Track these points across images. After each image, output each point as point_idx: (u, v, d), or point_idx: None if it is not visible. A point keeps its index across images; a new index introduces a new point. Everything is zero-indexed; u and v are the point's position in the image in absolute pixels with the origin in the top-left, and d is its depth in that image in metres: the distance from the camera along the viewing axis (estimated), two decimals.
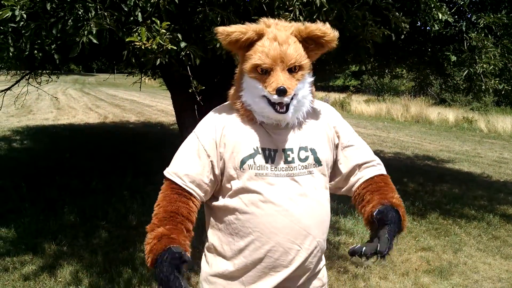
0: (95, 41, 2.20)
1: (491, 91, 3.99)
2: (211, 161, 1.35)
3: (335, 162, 1.46)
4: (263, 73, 1.28)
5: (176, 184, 1.34)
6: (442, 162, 8.57)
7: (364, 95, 23.13)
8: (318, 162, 1.36)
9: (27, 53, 2.29)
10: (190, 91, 2.73)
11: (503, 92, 4.22)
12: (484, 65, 3.63)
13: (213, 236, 1.43)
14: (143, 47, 2.16)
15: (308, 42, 1.30)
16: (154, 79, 8.93)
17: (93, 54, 5.50)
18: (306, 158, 1.35)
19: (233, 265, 1.36)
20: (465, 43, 3.91)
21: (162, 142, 8.78)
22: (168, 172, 1.37)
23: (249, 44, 1.29)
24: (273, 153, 1.33)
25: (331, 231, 4.19)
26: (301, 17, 2.49)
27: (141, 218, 4.25)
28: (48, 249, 3.57)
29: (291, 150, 1.34)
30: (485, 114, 16.28)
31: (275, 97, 1.24)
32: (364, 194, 1.42)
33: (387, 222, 1.32)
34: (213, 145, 1.35)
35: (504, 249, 4.11)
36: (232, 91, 1.42)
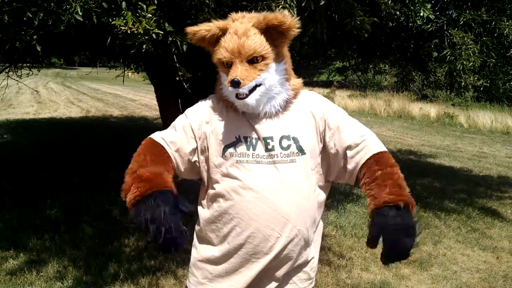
0: (79, 18, 2.16)
1: (470, 87, 4.08)
2: (196, 140, 1.41)
3: (327, 150, 1.43)
4: (227, 66, 1.33)
5: (160, 145, 1.39)
6: (424, 157, 8.72)
7: (348, 91, 23.28)
8: (301, 150, 1.38)
9: (9, 45, 2.24)
10: (177, 79, 2.71)
11: (481, 88, 4.31)
12: (464, 62, 3.70)
13: (201, 222, 1.48)
14: (128, 31, 2.14)
15: (271, 31, 1.32)
16: (138, 73, 8.85)
17: (76, 45, 5.41)
18: (289, 147, 1.37)
19: (218, 250, 1.42)
20: (445, 40, 3.98)
21: (146, 136, 8.70)
22: (154, 135, 1.43)
23: (217, 39, 1.36)
24: (254, 141, 1.37)
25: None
26: (292, 3, 2.49)
27: (125, 212, 4.23)
28: (30, 244, 3.54)
29: (271, 138, 1.37)
30: (466, 110, 16.58)
31: (230, 89, 1.30)
32: (366, 188, 1.36)
33: (387, 237, 1.31)
34: (199, 126, 1.41)
35: (482, 240, 4.22)
36: (217, 82, 1.48)
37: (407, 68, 6.23)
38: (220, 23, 1.35)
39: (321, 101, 1.49)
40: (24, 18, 2.19)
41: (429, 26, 3.89)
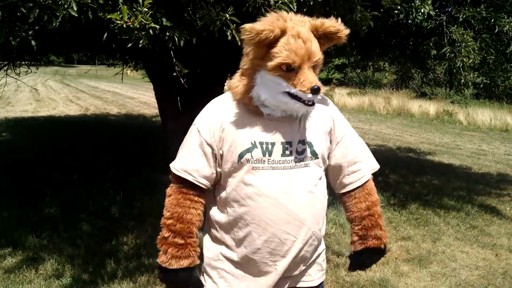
0: (74, 14, 2.13)
1: (470, 84, 4.07)
2: (214, 154, 1.39)
3: (328, 156, 1.49)
4: (287, 70, 1.27)
5: (186, 180, 1.40)
6: (423, 154, 8.72)
7: (347, 88, 23.28)
8: (314, 155, 1.40)
9: (3, 40, 2.22)
10: (174, 74, 2.69)
11: (481, 85, 4.30)
12: (464, 59, 3.69)
13: (213, 227, 1.49)
14: (124, 26, 2.11)
15: (322, 38, 1.32)
16: (136, 71, 8.84)
17: (73, 41, 5.40)
18: (303, 151, 1.38)
19: (235, 253, 1.43)
20: (445, 37, 3.97)
21: (144, 134, 8.71)
22: (176, 169, 1.42)
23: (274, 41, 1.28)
24: (270, 147, 1.35)
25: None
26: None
27: (124, 210, 4.22)
28: (28, 242, 3.53)
29: (290, 143, 1.37)
30: (465, 107, 16.58)
31: (309, 96, 1.25)
32: (353, 223, 1.53)
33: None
34: (213, 138, 1.38)
35: (481, 238, 4.22)
36: (236, 83, 1.39)
37: (406, 65, 6.22)
38: (279, 23, 1.25)
39: (332, 108, 1.51)
40: (18, 14, 2.17)
41: (428, 23, 3.88)
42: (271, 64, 1.27)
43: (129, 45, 2.23)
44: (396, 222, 4.48)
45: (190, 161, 1.40)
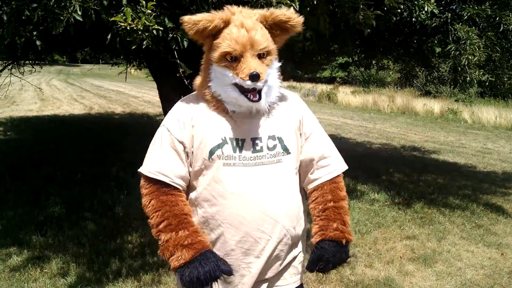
0: (79, 18, 2.14)
1: (475, 82, 4.05)
2: (186, 152, 1.36)
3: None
4: (232, 60, 1.27)
5: (163, 182, 1.34)
6: (428, 153, 8.68)
7: (351, 87, 23.23)
8: (286, 150, 1.38)
9: (8, 40, 2.23)
10: (178, 75, 2.70)
11: (487, 83, 4.28)
12: (469, 57, 3.67)
13: None
14: (128, 28, 2.12)
15: (273, 28, 1.30)
16: (140, 70, 8.84)
17: (77, 42, 5.41)
18: (274, 147, 1.36)
19: None
20: (450, 35, 3.95)
21: (148, 133, 8.69)
22: (149, 172, 1.35)
23: (216, 32, 1.28)
24: (241, 143, 1.33)
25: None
26: None
27: (128, 209, 4.23)
28: (33, 240, 3.54)
29: (260, 139, 1.34)
30: (470, 105, 16.50)
31: (248, 83, 1.23)
32: (315, 214, 1.45)
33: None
34: (184, 136, 1.35)
35: (487, 237, 4.20)
36: (198, 81, 1.41)
37: (410, 63, 6.20)
38: (222, 14, 1.28)
39: (301, 103, 1.50)
40: (23, 17, 2.18)
41: (433, 21, 3.86)
42: (214, 54, 1.28)
43: (133, 47, 2.23)
44: (401, 221, 4.46)
45: (163, 162, 1.35)
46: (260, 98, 1.27)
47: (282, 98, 1.43)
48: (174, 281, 3.05)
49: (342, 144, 9.03)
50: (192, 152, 1.35)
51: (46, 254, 3.33)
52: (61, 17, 2.12)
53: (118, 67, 8.60)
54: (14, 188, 4.70)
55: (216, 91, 1.32)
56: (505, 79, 4.30)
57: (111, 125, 10.23)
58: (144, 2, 2.20)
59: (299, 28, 1.31)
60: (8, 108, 12.54)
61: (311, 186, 1.46)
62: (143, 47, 2.28)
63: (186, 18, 1.24)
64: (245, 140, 1.33)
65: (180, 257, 1.29)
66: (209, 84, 1.34)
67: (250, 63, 1.24)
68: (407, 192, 5.47)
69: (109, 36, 2.39)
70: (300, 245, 1.51)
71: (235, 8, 1.32)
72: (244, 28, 1.25)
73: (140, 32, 2.20)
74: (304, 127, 1.45)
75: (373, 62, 6.92)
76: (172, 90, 5.06)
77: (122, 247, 3.49)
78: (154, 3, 2.23)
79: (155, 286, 2.98)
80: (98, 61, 9.18)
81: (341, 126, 12.01)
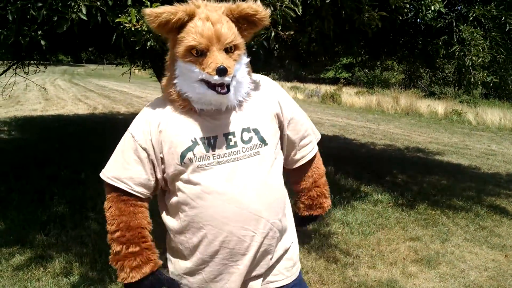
0: (83, 17, 2.15)
1: (479, 83, 4.03)
2: (151, 159, 1.31)
3: (281, 137, 1.45)
4: (198, 55, 1.21)
5: (122, 190, 1.32)
6: (431, 154, 8.65)
7: (355, 88, 23.19)
8: (263, 141, 1.33)
9: (12, 39, 2.24)
10: None
11: (491, 84, 4.26)
12: (473, 58, 3.66)
13: (169, 235, 1.43)
14: (132, 29, 2.12)
15: (240, 21, 1.25)
16: (144, 70, 8.86)
17: (81, 42, 5.43)
18: (250, 139, 1.31)
19: (191, 262, 1.35)
20: (454, 36, 3.93)
21: None
22: (108, 177, 1.33)
23: (180, 26, 1.22)
24: (213, 141, 1.28)
25: (321, 221, 4.22)
26: (298, 1, 2.45)
27: None
28: (37, 240, 3.55)
29: (233, 133, 1.29)
30: (474, 107, 16.43)
31: (215, 78, 1.18)
32: (301, 193, 1.60)
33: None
34: (149, 142, 1.30)
35: (490, 239, 4.18)
36: (164, 81, 1.35)
37: (415, 64, 6.18)
38: (186, 7, 1.21)
39: (276, 88, 1.46)
40: (28, 16, 2.19)
41: (438, 21, 3.85)
42: (179, 49, 1.23)
43: (138, 47, 2.24)
44: (404, 223, 4.45)
45: (124, 168, 1.31)
46: (228, 91, 1.22)
47: (255, 86, 1.38)
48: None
49: (346, 145, 9.02)
50: (162, 158, 1.30)
51: (49, 254, 3.34)
52: (66, 16, 2.12)
53: (122, 67, 8.61)
54: (18, 188, 4.72)
55: (182, 89, 1.27)
56: (510, 80, 4.28)
57: (115, 125, 10.26)
58: (148, 2, 2.21)
59: (266, 22, 1.26)
60: (12, 107, 12.60)
61: (294, 167, 1.54)
62: (147, 47, 2.29)
63: (148, 11, 1.19)
64: (217, 137, 1.28)
65: (129, 277, 1.34)
66: (174, 82, 1.28)
67: (217, 57, 1.18)
68: (410, 193, 5.45)
69: (114, 37, 2.40)
70: (289, 234, 1.47)
71: (199, 1, 1.26)
72: (209, 21, 1.20)
73: (144, 33, 2.20)
74: (284, 113, 1.42)
75: (378, 63, 6.91)
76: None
77: None
78: (159, 4, 2.24)
79: None
80: (102, 61, 9.21)
81: (344, 127, 11.99)
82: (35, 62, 6.78)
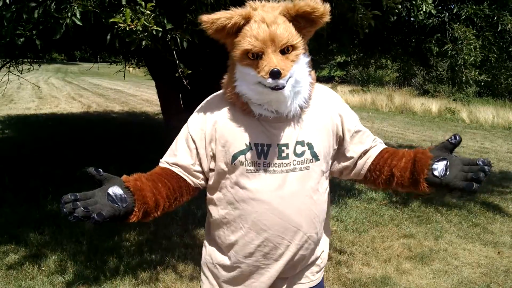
0: (79, 23, 2.15)
1: (471, 82, 4.06)
2: (198, 152, 1.32)
3: (341, 150, 1.41)
4: (254, 58, 1.19)
5: (169, 170, 1.35)
6: None
7: (349, 86, 23.23)
8: (315, 157, 1.31)
9: (7, 39, 2.23)
10: (176, 75, 2.70)
11: (483, 83, 4.29)
12: (465, 57, 3.68)
13: (209, 226, 1.46)
14: (127, 29, 2.12)
15: (299, 20, 1.21)
16: (139, 68, 8.84)
17: (76, 41, 5.41)
18: (303, 153, 1.30)
19: (225, 257, 1.39)
20: (447, 34, 3.96)
21: (147, 131, 8.72)
22: (161, 162, 1.38)
23: (237, 30, 1.21)
24: (266, 149, 1.27)
25: None
26: None
27: None
28: (31, 238, 3.54)
29: (286, 145, 1.28)
30: (467, 105, 16.52)
31: (269, 81, 1.15)
32: (382, 165, 1.36)
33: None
34: (201, 136, 1.31)
35: (483, 236, 4.22)
36: (225, 81, 1.34)
37: (408, 63, 6.21)
38: (241, 11, 1.19)
39: (337, 99, 1.42)
40: (24, 17, 2.19)
41: (430, 21, 3.87)
42: (236, 53, 1.21)
43: (133, 48, 2.24)
44: (398, 220, 4.48)
45: (173, 155, 1.36)
46: (283, 88, 1.18)
47: (315, 95, 1.34)
48: (172, 279, 3.06)
49: None
50: (214, 155, 1.32)
51: (44, 252, 3.34)
52: (61, 21, 2.12)
53: (116, 65, 8.60)
54: (12, 186, 4.70)
55: (241, 91, 1.25)
56: (502, 79, 4.31)
57: (109, 123, 10.22)
58: (143, 3, 2.20)
59: (326, 19, 1.19)
60: (6, 106, 12.52)
61: (367, 165, 1.39)
62: (142, 47, 2.29)
63: (205, 18, 1.18)
64: (271, 146, 1.27)
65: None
66: (234, 84, 1.27)
67: (272, 60, 1.15)
68: None
69: (108, 37, 2.40)
70: (323, 244, 1.49)
71: (257, 3, 1.23)
72: (265, 23, 1.17)
73: (139, 33, 2.20)
74: (346, 125, 1.37)
75: (372, 61, 6.92)
76: (171, 89, 5.08)
77: (119, 245, 3.49)
78: (153, 4, 2.24)
79: (152, 284, 2.98)
80: (96, 59, 9.17)
81: None
82: (28, 60, 6.74)
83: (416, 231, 4.23)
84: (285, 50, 1.19)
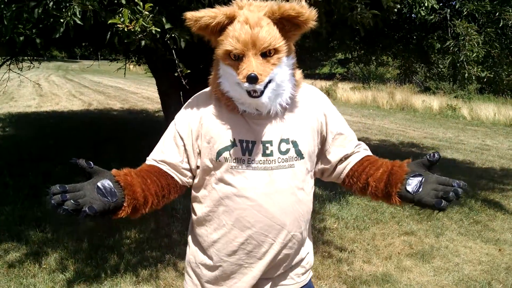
0: (79, 22, 2.14)
1: (473, 78, 4.04)
2: (186, 148, 1.32)
3: (323, 151, 1.40)
4: (236, 59, 1.19)
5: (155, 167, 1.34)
6: (426, 149, 8.69)
7: (350, 83, 23.20)
8: (299, 155, 1.30)
9: (7, 37, 2.23)
10: (176, 74, 2.69)
11: (485, 79, 4.28)
12: (467, 53, 3.67)
13: (192, 225, 1.44)
14: (126, 30, 2.11)
15: (284, 23, 1.19)
16: (139, 65, 8.84)
17: (76, 39, 5.40)
18: (287, 151, 1.29)
19: (207, 257, 1.37)
20: (449, 31, 3.94)
21: (147, 129, 8.71)
22: (148, 159, 1.37)
23: (221, 28, 1.20)
24: (251, 145, 1.27)
25: (316, 216, 4.23)
26: None
27: None
28: (32, 236, 3.54)
29: (270, 142, 1.27)
30: (469, 102, 16.50)
31: (246, 85, 1.15)
32: (360, 173, 1.36)
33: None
34: (189, 133, 1.31)
35: (484, 233, 4.21)
36: (211, 77, 1.34)
37: (410, 60, 6.19)
38: (226, 10, 1.18)
39: (323, 100, 1.41)
40: (24, 16, 2.18)
41: (432, 17, 3.85)
42: (219, 52, 1.22)
43: (132, 48, 2.23)
44: (399, 217, 4.47)
45: (161, 152, 1.34)
46: (260, 95, 1.18)
47: (301, 95, 1.34)
48: (173, 277, 3.06)
49: None
50: (199, 151, 1.32)
51: (45, 250, 3.34)
52: (61, 20, 2.11)
53: (117, 63, 8.59)
54: (13, 184, 4.71)
55: (225, 89, 1.26)
56: (504, 75, 4.30)
57: (109, 121, 10.22)
58: (141, 3, 2.19)
59: (311, 24, 1.18)
60: (6, 104, 12.52)
61: (346, 170, 1.39)
62: (142, 46, 2.28)
63: (189, 15, 1.17)
64: (255, 143, 1.27)
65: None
66: (219, 81, 1.28)
67: (250, 64, 1.15)
68: None
69: (107, 36, 2.39)
70: (308, 245, 1.47)
71: (244, 1, 1.23)
72: (248, 24, 1.16)
73: (137, 33, 2.19)
74: (330, 126, 1.37)
75: (373, 58, 6.91)
76: (171, 87, 5.07)
77: (120, 243, 3.49)
78: (151, 4, 2.23)
79: (153, 282, 2.98)
80: (97, 57, 9.16)
81: None
82: (29, 58, 6.73)
83: (417, 228, 4.22)
84: (267, 53, 1.18)
